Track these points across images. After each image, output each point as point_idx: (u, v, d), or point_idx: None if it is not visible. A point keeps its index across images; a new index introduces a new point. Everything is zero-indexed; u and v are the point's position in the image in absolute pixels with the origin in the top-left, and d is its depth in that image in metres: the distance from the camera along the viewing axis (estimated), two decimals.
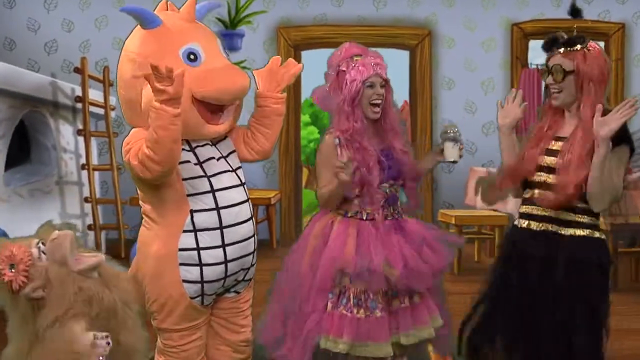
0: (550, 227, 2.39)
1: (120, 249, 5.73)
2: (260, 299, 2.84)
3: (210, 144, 2.51)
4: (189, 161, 2.42)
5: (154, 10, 2.50)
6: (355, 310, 2.62)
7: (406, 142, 2.81)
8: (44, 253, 2.03)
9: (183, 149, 2.42)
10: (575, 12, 2.56)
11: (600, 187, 2.26)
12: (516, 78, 7.25)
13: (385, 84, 2.72)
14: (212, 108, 2.41)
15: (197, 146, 2.47)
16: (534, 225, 2.41)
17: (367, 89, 2.65)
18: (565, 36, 2.36)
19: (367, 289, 2.62)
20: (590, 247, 2.34)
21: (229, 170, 2.53)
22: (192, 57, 2.39)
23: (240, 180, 2.56)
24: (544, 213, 2.39)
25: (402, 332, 2.68)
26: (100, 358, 1.96)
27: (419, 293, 2.73)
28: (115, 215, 5.93)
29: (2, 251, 2.00)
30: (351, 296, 2.64)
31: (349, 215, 2.72)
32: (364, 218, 2.70)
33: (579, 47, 2.33)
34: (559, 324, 2.36)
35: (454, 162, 2.76)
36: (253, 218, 2.59)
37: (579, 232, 2.35)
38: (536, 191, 2.43)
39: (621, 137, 2.28)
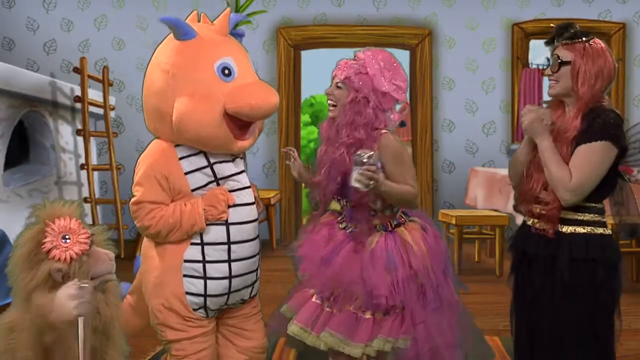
0: (541, 225, 2.38)
1: (120, 249, 5.71)
2: (263, 300, 2.82)
3: (230, 160, 2.51)
4: (208, 183, 2.45)
5: (185, 19, 2.50)
6: (326, 305, 2.59)
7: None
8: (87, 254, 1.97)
9: (202, 168, 2.44)
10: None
11: (551, 182, 2.28)
12: (517, 78, 7.25)
13: (343, 84, 2.57)
14: (240, 124, 2.42)
15: (216, 162, 2.47)
16: (537, 223, 2.40)
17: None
18: (573, 26, 2.35)
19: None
20: (591, 245, 2.31)
21: (246, 187, 2.54)
22: (226, 72, 2.40)
23: (253, 199, 2.57)
24: (544, 211, 2.37)
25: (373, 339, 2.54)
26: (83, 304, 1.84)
27: (388, 310, 2.56)
28: (115, 215, 5.92)
29: (66, 219, 1.93)
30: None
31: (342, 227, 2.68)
32: (335, 222, 2.68)
33: (580, 40, 2.31)
34: (562, 323, 2.35)
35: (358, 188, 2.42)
36: (258, 237, 2.60)
37: (580, 229, 2.34)
38: (543, 191, 2.41)
39: (597, 134, 2.26)
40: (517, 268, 2.53)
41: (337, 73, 2.59)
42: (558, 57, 2.33)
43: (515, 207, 2.54)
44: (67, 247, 1.91)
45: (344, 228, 2.64)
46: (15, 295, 1.97)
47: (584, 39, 2.31)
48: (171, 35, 2.45)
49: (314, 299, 2.61)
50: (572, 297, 2.31)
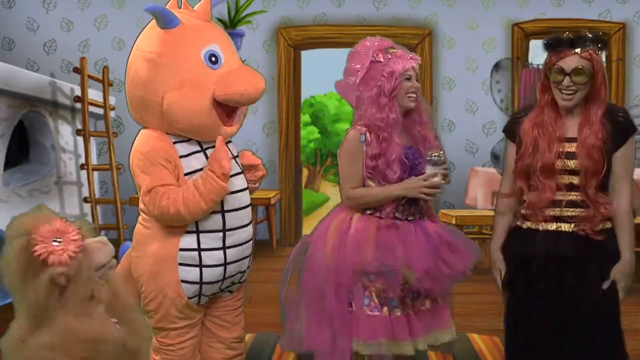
0: (581, 227, 2.37)
1: (120, 245, 5.71)
2: (259, 299, 2.83)
3: None
4: (201, 169, 2.43)
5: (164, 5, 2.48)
6: (382, 309, 2.57)
7: (436, 138, 2.74)
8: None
9: (194, 152, 2.44)
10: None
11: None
12: (517, 78, 7.24)
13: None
14: (227, 110, 2.43)
15: (208, 147, 2.47)
16: (565, 226, 2.39)
17: (405, 82, 2.60)
18: (589, 36, 2.35)
19: (386, 289, 2.56)
20: (616, 240, 2.38)
21: (239, 173, 2.54)
22: (213, 59, 2.40)
23: (247, 184, 2.57)
24: (573, 214, 2.37)
25: (424, 335, 2.62)
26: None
27: (442, 295, 2.69)
28: (115, 215, 5.92)
29: (51, 223, 1.88)
30: (373, 295, 2.57)
31: (369, 212, 2.63)
32: (383, 216, 2.61)
33: (595, 48, 2.34)
34: (599, 317, 2.37)
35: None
36: (253, 221, 2.60)
37: (607, 225, 2.38)
38: (559, 193, 2.38)
39: (623, 133, 2.36)
40: (542, 275, 2.44)
41: (415, 65, 2.63)
42: (584, 68, 2.31)
43: (524, 216, 2.47)
44: (62, 248, 1.84)
45: (406, 219, 2.63)
46: (24, 312, 1.91)
47: (597, 46, 2.35)
48: (153, 23, 2.44)
49: (383, 313, 2.55)
50: (604, 292, 2.36)
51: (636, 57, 7.30)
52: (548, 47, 2.39)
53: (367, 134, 2.60)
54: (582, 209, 2.36)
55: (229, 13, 6.19)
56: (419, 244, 2.58)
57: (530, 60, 7.27)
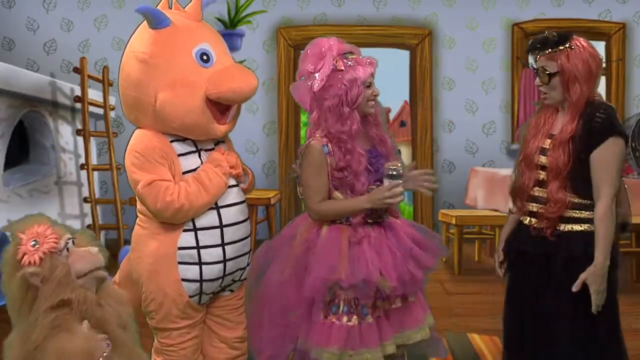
0: (541, 225, 2.39)
1: (120, 249, 5.71)
2: None
3: (213, 148, 2.53)
4: (195, 169, 2.44)
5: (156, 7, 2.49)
6: (346, 318, 2.50)
7: (390, 136, 2.67)
8: (67, 251, 1.97)
9: (190, 152, 2.45)
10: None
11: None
12: (517, 78, 7.25)
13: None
14: (221, 108, 2.43)
15: (202, 149, 2.49)
16: (534, 222, 2.42)
17: (366, 89, 2.53)
18: (549, 37, 2.36)
19: (358, 297, 2.50)
20: (589, 243, 2.32)
21: None
22: (204, 57, 2.41)
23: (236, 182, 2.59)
24: (542, 210, 2.39)
25: (394, 334, 2.57)
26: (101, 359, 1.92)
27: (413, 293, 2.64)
28: (115, 215, 5.92)
29: (33, 227, 1.97)
30: (341, 304, 2.51)
31: (338, 222, 2.57)
32: (354, 225, 2.55)
33: (561, 47, 2.32)
34: (561, 321, 2.36)
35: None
36: (250, 219, 2.61)
37: (577, 227, 2.36)
38: (536, 188, 2.43)
39: (602, 133, 2.29)
40: (512, 266, 2.57)
41: (373, 70, 2.57)
42: (545, 69, 2.35)
43: (511, 204, 2.56)
44: (35, 250, 1.92)
45: (374, 222, 2.58)
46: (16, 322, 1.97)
47: (565, 45, 2.32)
48: (144, 24, 2.44)
49: (352, 322, 2.50)
50: (568, 296, 2.32)
51: (636, 57, 7.30)
52: (527, 52, 2.47)
53: (328, 145, 2.52)
54: (544, 205, 2.38)
55: (229, 13, 6.19)
56: (391, 250, 2.54)
57: (530, 60, 7.27)
